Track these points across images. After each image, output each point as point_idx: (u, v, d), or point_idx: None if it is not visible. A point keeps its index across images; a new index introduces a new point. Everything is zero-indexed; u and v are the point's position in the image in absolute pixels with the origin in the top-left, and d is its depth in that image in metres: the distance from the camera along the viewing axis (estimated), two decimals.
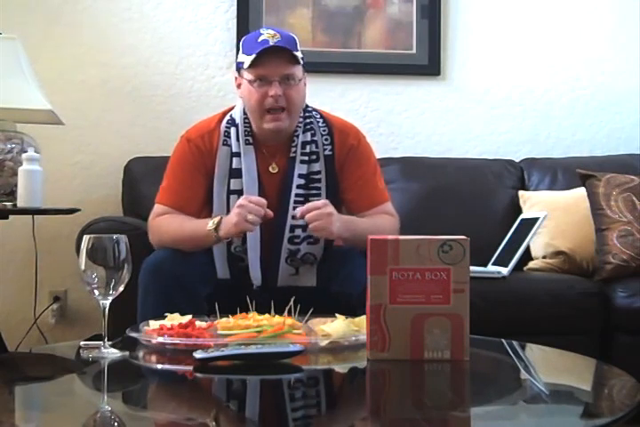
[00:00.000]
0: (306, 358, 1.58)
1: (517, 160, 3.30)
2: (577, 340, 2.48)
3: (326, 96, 3.26)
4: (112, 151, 3.20)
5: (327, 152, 2.30)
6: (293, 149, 2.29)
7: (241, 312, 1.78)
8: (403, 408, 1.33)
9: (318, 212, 2.11)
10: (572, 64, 3.46)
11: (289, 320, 1.70)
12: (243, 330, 1.65)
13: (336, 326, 1.67)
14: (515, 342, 1.82)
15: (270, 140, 2.29)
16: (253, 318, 1.71)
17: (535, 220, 2.74)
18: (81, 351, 1.65)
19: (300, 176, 2.27)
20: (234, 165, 2.26)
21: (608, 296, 2.60)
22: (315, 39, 3.31)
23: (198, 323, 1.70)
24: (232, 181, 2.26)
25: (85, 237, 1.60)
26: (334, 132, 2.32)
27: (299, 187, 2.26)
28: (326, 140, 2.30)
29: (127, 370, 1.60)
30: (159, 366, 1.66)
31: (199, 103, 3.25)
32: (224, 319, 1.74)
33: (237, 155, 2.27)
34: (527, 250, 2.82)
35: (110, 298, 1.61)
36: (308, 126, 2.31)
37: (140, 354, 1.67)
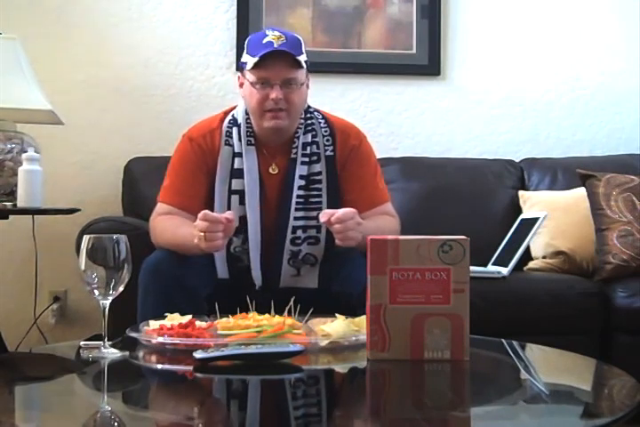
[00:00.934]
0: (306, 358, 1.58)
1: (517, 160, 3.30)
2: (577, 340, 2.48)
3: (326, 96, 3.26)
4: (112, 151, 3.20)
5: (328, 153, 2.30)
6: (294, 151, 2.29)
7: (241, 312, 1.78)
8: (403, 408, 1.33)
9: (353, 221, 2.07)
10: (572, 64, 3.46)
11: (289, 320, 1.70)
12: (243, 330, 1.65)
13: (336, 326, 1.67)
14: (515, 342, 1.82)
15: (271, 141, 2.29)
16: (253, 318, 1.71)
17: (535, 220, 2.74)
18: (81, 351, 1.65)
19: (301, 177, 2.27)
20: (236, 166, 2.26)
21: (608, 296, 2.60)
22: (315, 39, 3.31)
23: (198, 323, 1.70)
24: (233, 181, 2.26)
25: (85, 237, 1.60)
26: (336, 133, 2.32)
27: (300, 188, 2.26)
28: (327, 140, 2.30)
29: (127, 370, 1.60)
30: (159, 366, 1.66)
31: (199, 103, 3.25)
32: (224, 319, 1.74)
33: (239, 155, 2.27)
34: (527, 250, 2.82)
35: (110, 298, 1.61)
36: (309, 127, 2.31)
37: (140, 354, 1.67)
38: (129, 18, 3.24)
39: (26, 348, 2.95)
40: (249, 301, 1.83)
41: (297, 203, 2.25)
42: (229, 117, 2.32)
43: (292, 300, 1.79)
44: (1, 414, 1.28)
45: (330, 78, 3.31)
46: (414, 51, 3.36)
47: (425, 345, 1.54)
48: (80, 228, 2.49)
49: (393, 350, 1.54)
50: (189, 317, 1.74)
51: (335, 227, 2.06)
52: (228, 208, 2.21)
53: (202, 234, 2.01)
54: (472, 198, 3.10)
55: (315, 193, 2.28)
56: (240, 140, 2.28)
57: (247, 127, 2.29)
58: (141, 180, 2.98)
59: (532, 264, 2.90)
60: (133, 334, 1.69)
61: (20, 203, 2.62)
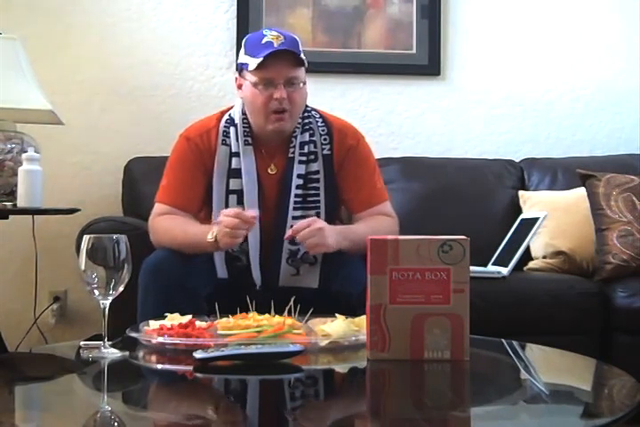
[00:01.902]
0: (306, 358, 1.58)
1: (517, 160, 3.30)
2: (577, 340, 2.48)
3: (326, 96, 3.26)
4: (112, 151, 3.20)
5: (326, 152, 2.30)
6: (292, 150, 2.29)
7: (241, 312, 1.78)
8: (403, 408, 1.33)
9: (308, 230, 2.10)
10: (572, 64, 3.46)
11: (289, 320, 1.70)
12: (243, 330, 1.65)
13: (336, 326, 1.67)
14: (515, 342, 1.82)
15: (270, 141, 2.29)
16: (253, 318, 1.71)
17: (535, 220, 2.74)
18: (81, 351, 1.65)
19: (299, 176, 2.27)
20: (233, 165, 2.26)
21: (608, 296, 2.60)
22: (315, 39, 3.31)
23: (198, 323, 1.70)
24: (231, 180, 2.26)
25: (85, 237, 1.60)
26: (333, 132, 2.32)
27: (297, 187, 2.26)
28: (325, 139, 2.31)
29: (127, 370, 1.60)
30: (159, 366, 1.66)
31: (199, 103, 3.25)
32: (224, 319, 1.74)
33: (237, 155, 2.27)
34: (527, 250, 2.82)
35: (110, 298, 1.61)
36: (307, 126, 2.31)
37: (140, 354, 1.67)
38: (129, 18, 3.24)
39: (26, 348, 2.95)
40: (249, 301, 1.83)
41: (295, 202, 2.25)
42: (226, 117, 2.32)
43: (292, 300, 1.79)
44: (1, 414, 1.28)
45: (330, 78, 3.31)
46: (414, 51, 3.36)
47: (425, 345, 1.54)
48: (80, 228, 2.49)
49: (393, 350, 1.54)
50: (189, 317, 1.74)
51: (297, 238, 2.11)
52: (226, 208, 2.22)
53: (227, 230, 2.04)
54: (472, 198, 3.10)
55: (312, 192, 2.28)
56: (237, 140, 2.27)
57: (244, 127, 2.29)
58: (141, 180, 2.98)
59: (532, 264, 2.90)
60: (133, 334, 1.69)
61: (20, 203, 2.62)
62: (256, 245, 2.23)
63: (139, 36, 3.25)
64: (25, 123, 2.83)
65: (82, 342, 1.69)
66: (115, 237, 1.60)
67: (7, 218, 2.70)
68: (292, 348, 1.53)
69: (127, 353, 1.62)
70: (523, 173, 3.23)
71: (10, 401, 1.39)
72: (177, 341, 1.61)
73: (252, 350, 1.52)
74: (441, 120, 3.40)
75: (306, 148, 2.29)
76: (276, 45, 2.16)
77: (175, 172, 2.31)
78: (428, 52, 3.35)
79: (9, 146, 2.72)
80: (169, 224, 2.23)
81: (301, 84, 2.23)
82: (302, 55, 2.21)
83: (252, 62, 2.19)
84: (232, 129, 2.29)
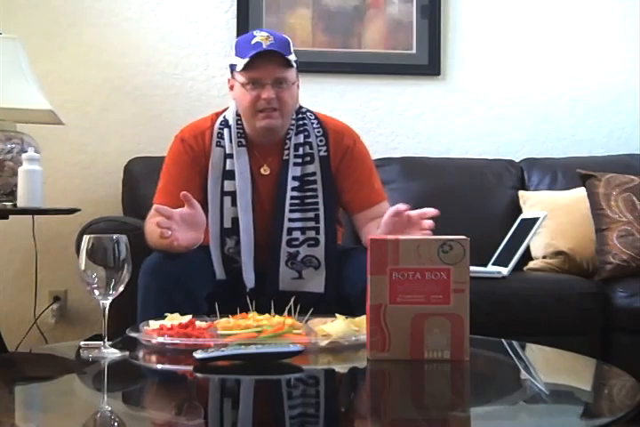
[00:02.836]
0: (306, 358, 1.58)
1: (517, 160, 3.30)
2: (577, 340, 2.48)
3: (326, 96, 3.26)
4: (112, 151, 3.20)
5: (322, 153, 2.29)
6: (286, 152, 2.28)
7: (241, 312, 1.78)
8: (403, 408, 1.33)
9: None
10: (572, 64, 3.46)
11: (289, 320, 1.70)
12: (243, 330, 1.65)
13: (336, 326, 1.67)
14: (515, 342, 1.82)
15: (263, 142, 2.29)
16: (253, 318, 1.71)
17: (535, 220, 2.74)
18: (81, 351, 1.65)
19: (294, 178, 2.26)
20: (227, 167, 2.26)
21: (608, 296, 2.60)
22: (315, 39, 3.31)
23: (198, 323, 1.70)
24: (226, 182, 2.26)
25: (85, 237, 1.60)
26: (329, 133, 2.31)
27: (293, 189, 2.26)
28: (321, 141, 2.30)
29: (127, 370, 1.60)
30: (159, 366, 1.66)
31: (199, 103, 3.25)
32: (224, 319, 1.74)
33: (231, 156, 2.27)
34: (527, 250, 2.81)
35: (110, 298, 1.61)
36: (302, 128, 2.30)
37: (140, 354, 1.67)
38: (129, 18, 3.25)
39: (26, 348, 2.95)
40: (249, 301, 1.83)
41: (292, 204, 2.24)
42: (221, 119, 2.32)
43: (292, 300, 1.79)
44: (1, 414, 1.28)
45: (330, 78, 3.31)
46: (414, 51, 3.36)
47: (425, 345, 1.54)
48: (80, 228, 2.49)
49: (393, 350, 1.54)
50: (189, 317, 1.74)
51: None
52: (221, 209, 2.22)
53: (158, 230, 2.00)
54: (472, 198, 3.10)
55: (310, 194, 2.27)
56: (231, 141, 2.27)
57: (238, 128, 2.28)
58: (141, 180, 2.98)
59: (532, 264, 2.90)
60: (133, 334, 1.69)
61: (20, 203, 2.62)
62: (250, 246, 2.22)
63: (139, 36, 3.25)
64: (25, 123, 2.84)
65: (82, 342, 1.69)
66: (115, 237, 1.60)
67: (7, 218, 2.70)
68: (292, 348, 1.53)
69: (127, 353, 1.62)
70: (523, 173, 3.24)
71: (10, 401, 1.38)
72: (177, 341, 1.61)
73: (252, 350, 1.52)
74: (441, 120, 3.40)
75: (301, 149, 2.28)
76: (264, 46, 2.17)
77: (171, 173, 2.31)
78: (428, 52, 3.35)
79: (9, 146, 2.72)
80: (151, 228, 2.21)
81: (290, 85, 2.22)
82: (292, 56, 2.21)
83: (240, 63, 2.19)
84: (226, 130, 2.29)
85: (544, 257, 2.91)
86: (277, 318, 1.71)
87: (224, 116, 2.32)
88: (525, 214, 2.93)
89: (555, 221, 2.88)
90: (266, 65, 2.18)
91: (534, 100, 3.44)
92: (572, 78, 3.46)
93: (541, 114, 3.45)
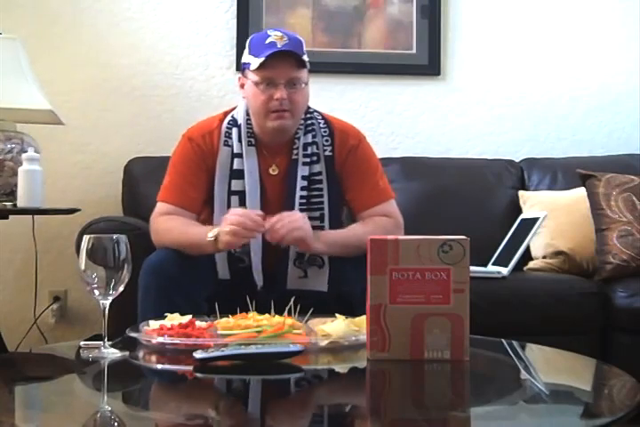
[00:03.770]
0: (306, 358, 1.58)
1: (517, 160, 3.30)
2: (577, 340, 2.48)
3: (326, 96, 3.26)
4: (112, 151, 3.20)
5: (327, 153, 2.30)
6: (295, 152, 2.28)
7: (241, 312, 1.78)
8: (403, 408, 1.33)
9: (281, 223, 2.09)
10: (572, 64, 3.46)
11: (289, 320, 1.70)
12: (243, 330, 1.65)
13: (336, 326, 1.67)
14: (515, 342, 1.82)
15: (272, 141, 2.29)
16: (253, 318, 1.71)
17: (535, 220, 2.74)
18: (81, 351, 1.65)
19: (303, 178, 2.27)
20: (235, 166, 2.26)
21: (608, 296, 2.60)
22: (315, 39, 3.31)
23: (198, 323, 1.70)
24: (233, 181, 2.26)
25: (85, 237, 1.60)
26: (335, 133, 2.32)
27: (302, 189, 2.26)
28: (327, 141, 2.30)
29: (127, 370, 1.60)
30: (159, 366, 1.66)
31: (199, 103, 3.25)
32: (224, 319, 1.74)
33: (239, 156, 2.27)
34: (527, 250, 2.82)
35: (110, 298, 1.61)
36: (310, 128, 2.31)
37: (140, 354, 1.67)
38: (129, 18, 3.25)
39: (26, 348, 2.95)
40: (249, 301, 1.83)
41: (300, 204, 2.25)
42: (229, 118, 2.32)
43: (292, 300, 1.79)
44: (1, 414, 1.28)
45: (330, 78, 3.31)
46: (414, 51, 3.36)
47: (425, 345, 1.54)
48: (80, 228, 2.49)
49: (393, 350, 1.54)
50: (189, 317, 1.74)
51: (280, 234, 2.10)
52: (228, 209, 2.21)
53: (232, 227, 2.04)
54: (472, 198, 3.10)
55: (316, 193, 2.28)
56: (240, 140, 2.27)
57: (247, 128, 2.29)
58: (141, 180, 2.98)
59: (532, 264, 2.90)
60: (133, 334, 1.69)
61: (20, 203, 2.62)
62: (259, 246, 2.22)
63: (139, 36, 3.25)
64: (25, 123, 2.84)
65: (82, 342, 1.69)
66: (115, 237, 1.60)
67: (7, 218, 2.70)
68: (292, 348, 1.53)
69: (127, 353, 1.62)
70: (523, 173, 3.24)
71: (10, 401, 1.38)
72: (177, 341, 1.61)
73: (252, 350, 1.52)
74: (441, 120, 3.40)
75: (309, 149, 2.29)
76: (279, 46, 2.17)
77: (178, 171, 2.31)
78: (428, 52, 3.35)
79: (9, 146, 2.72)
80: (170, 224, 2.23)
81: (303, 85, 2.23)
82: (305, 57, 2.21)
83: (255, 62, 2.19)
84: (234, 130, 2.29)
85: (544, 257, 2.91)
86: (277, 318, 1.71)
87: (232, 116, 2.32)
88: (525, 214, 2.93)
89: (555, 221, 2.89)
90: (280, 65, 2.18)
91: (534, 100, 3.44)
92: (572, 78, 3.46)
93: (541, 114, 3.45)
